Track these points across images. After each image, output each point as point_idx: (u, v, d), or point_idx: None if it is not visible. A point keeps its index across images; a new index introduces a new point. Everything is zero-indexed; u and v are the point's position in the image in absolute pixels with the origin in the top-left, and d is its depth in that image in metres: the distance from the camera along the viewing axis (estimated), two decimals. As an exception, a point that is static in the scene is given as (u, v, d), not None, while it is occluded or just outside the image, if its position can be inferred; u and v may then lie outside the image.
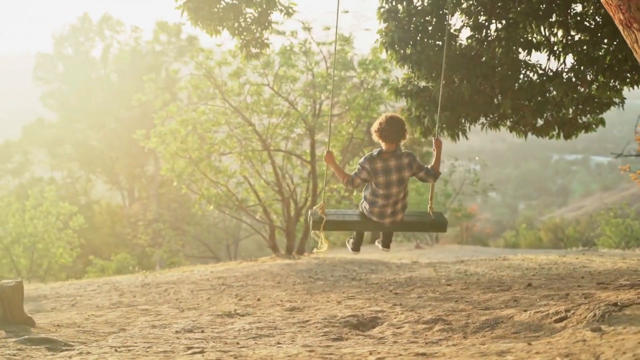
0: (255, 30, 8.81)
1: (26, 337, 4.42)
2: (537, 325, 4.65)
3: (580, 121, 9.35)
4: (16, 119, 64.84)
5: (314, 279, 9.47)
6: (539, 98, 8.89)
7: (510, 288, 6.78)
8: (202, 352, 3.90)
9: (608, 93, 8.59)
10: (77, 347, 4.23)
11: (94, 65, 44.03)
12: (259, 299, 7.16)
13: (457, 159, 30.08)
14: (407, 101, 9.22)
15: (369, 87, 15.62)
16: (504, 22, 8.80)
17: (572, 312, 4.67)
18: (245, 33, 8.82)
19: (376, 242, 6.48)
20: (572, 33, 8.68)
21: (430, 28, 8.84)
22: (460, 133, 9.42)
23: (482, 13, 8.88)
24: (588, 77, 8.61)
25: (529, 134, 9.58)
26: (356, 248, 6.41)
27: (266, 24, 8.85)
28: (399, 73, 9.56)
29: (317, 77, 15.68)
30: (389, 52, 9.00)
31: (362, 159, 5.69)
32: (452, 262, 11.59)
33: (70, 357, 3.88)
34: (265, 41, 9.01)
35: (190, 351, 3.95)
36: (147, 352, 3.99)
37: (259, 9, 8.66)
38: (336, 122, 17.88)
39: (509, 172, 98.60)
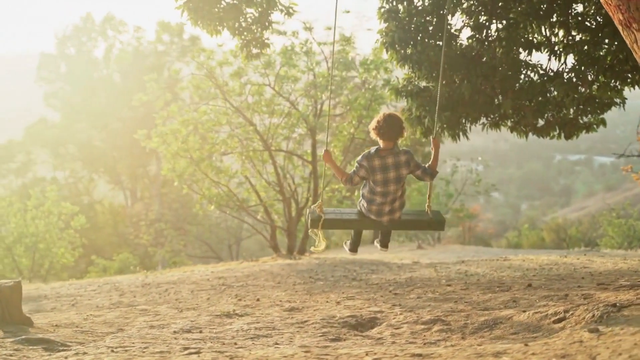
0: (255, 30, 8.81)
1: (23, 337, 4.42)
2: (535, 326, 4.63)
3: (581, 121, 9.32)
4: (19, 118, 64.96)
5: (315, 279, 9.46)
6: (540, 98, 8.88)
7: (510, 288, 6.77)
8: (198, 352, 3.89)
9: (609, 93, 8.57)
10: (74, 348, 4.23)
11: (97, 65, 44.05)
12: (258, 299, 7.15)
13: (459, 159, 30.01)
14: (407, 101, 9.22)
15: (370, 87, 15.60)
16: (504, 22, 8.79)
17: (570, 312, 4.66)
18: (245, 33, 8.81)
19: (375, 242, 6.49)
20: (573, 33, 8.66)
21: (430, 28, 8.84)
22: (460, 133, 9.41)
23: (482, 13, 8.87)
24: (589, 77, 8.59)
25: (530, 134, 9.56)
26: (354, 249, 6.41)
27: (266, 24, 8.84)
28: (400, 73, 9.55)
29: (319, 77, 15.67)
30: (389, 52, 9.00)
31: (360, 157, 5.70)
32: (453, 262, 11.58)
33: (66, 358, 3.87)
34: (266, 41, 9.00)
35: (186, 351, 3.94)
36: (144, 352, 3.99)
37: (260, 9, 8.65)
38: (338, 122, 17.88)
39: (511, 172, 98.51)
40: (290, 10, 8.92)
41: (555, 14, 8.60)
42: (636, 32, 4.98)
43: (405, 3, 8.88)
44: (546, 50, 8.78)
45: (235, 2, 8.45)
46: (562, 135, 9.49)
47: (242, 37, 8.87)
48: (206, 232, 33.13)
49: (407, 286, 7.87)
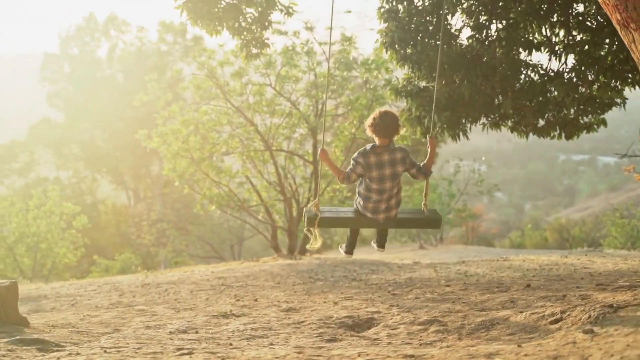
0: (255, 30, 8.80)
1: (18, 337, 4.41)
2: (532, 326, 4.61)
3: (581, 121, 9.30)
4: (22, 118, 65.09)
5: (314, 280, 9.44)
6: (540, 98, 8.86)
7: (509, 289, 6.74)
8: (190, 353, 3.88)
9: (609, 93, 8.54)
10: (68, 348, 4.22)
11: (100, 65, 44.10)
12: (256, 300, 7.14)
13: (461, 159, 29.96)
14: (407, 101, 9.21)
15: (372, 87, 15.59)
16: (504, 22, 8.78)
17: (567, 313, 4.63)
18: (245, 33, 8.80)
19: (372, 242, 6.48)
20: (574, 33, 8.64)
21: (430, 28, 8.82)
22: (460, 133, 9.40)
23: (482, 13, 8.85)
24: (589, 77, 8.57)
25: (530, 134, 9.55)
26: (349, 251, 6.41)
27: (266, 24, 8.83)
28: (401, 73, 9.54)
29: (320, 77, 15.66)
30: (389, 52, 9.00)
31: (355, 154, 5.71)
32: (454, 262, 11.55)
33: (58, 358, 3.87)
34: (266, 41, 8.99)
35: (179, 352, 3.93)
36: (137, 353, 3.98)
37: (259, 9, 8.64)
38: (340, 122, 17.86)
39: (515, 172, 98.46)
40: (290, 10, 8.91)
41: (555, 14, 8.58)
42: (634, 32, 4.96)
43: (405, 3, 8.87)
44: (546, 50, 8.76)
45: (234, 1, 8.45)
46: (563, 135, 9.47)
47: (242, 37, 8.86)
48: (208, 232, 33.16)
49: (406, 286, 7.85)
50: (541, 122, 9.38)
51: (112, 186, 44.42)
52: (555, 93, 8.79)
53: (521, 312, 5.06)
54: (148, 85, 15.68)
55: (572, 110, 9.14)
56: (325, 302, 6.67)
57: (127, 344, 4.41)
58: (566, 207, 78.11)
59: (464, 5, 8.92)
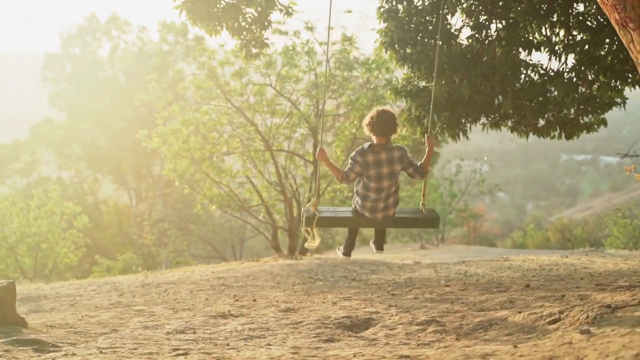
0: (255, 30, 8.79)
1: (15, 337, 4.41)
2: (530, 327, 4.60)
3: (581, 121, 9.28)
4: (24, 118, 65.16)
5: (314, 280, 9.44)
6: (540, 98, 8.85)
7: (508, 289, 6.73)
8: (185, 354, 3.88)
9: (609, 93, 8.53)
10: (65, 349, 4.22)
11: (102, 65, 44.14)
12: (254, 300, 7.14)
13: (462, 159, 29.92)
14: (407, 101, 9.20)
15: (372, 87, 15.58)
16: (504, 21, 8.76)
17: (565, 313, 4.62)
18: (244, 33, 8.80)
19: (371, 243, 6.49)
20: (574, 33, 8.62)
21: (430, 28, 8.81)
22: (461, 133, 9.39)
23: (482, 13, 8.83)
24: (589, 77, 8.55)
25: (530, 134, 9.53)
26: (347, 253, 6.41)
27: (266, 24, 8.83)
28: (401, 73, 9.54)
29: (320, 77, 15.66)
30: (388, 52, 8.99)
31: (353, 153, 5.70)
32: (454, 262, 11.54)
33: (54, 359, 3.86)
34: (265, 41, 8.98)
35: (174, 353, 3.93)
36: (132, 353, 3.97)
37: (259, 9, 8.63)
38: (342, 122, 17.85)
39: (517, 172, 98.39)
40: (290, 10, 8.90)
41: (555, 14, 8.56)
42: (632, 32, 4.95)
43: (405, 3, 8.86)
44: (546, 50, 8.74)
45: (234, 1, 8.44)
46: (563, 135, 9.45)
47: (242, 37, 8.85)
48: (210, 232, 33.18)
49: (405, 287, 7.84)
50: (541, 122, 9.36)
51: (114, 186, 44.47)
52: (555, 93, 8.77)
53: (519, 312, 5.05)
54: (148, 85, 15.69)
55: (572, 110, 9.12)
56: (324, 302, 6.66)
57: (124, 344, 4.41)
58: (568, 207, 78.04)
59: (464, 5, 8.90)
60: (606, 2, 5.03)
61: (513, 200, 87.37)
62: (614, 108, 9.02)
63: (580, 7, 8.65)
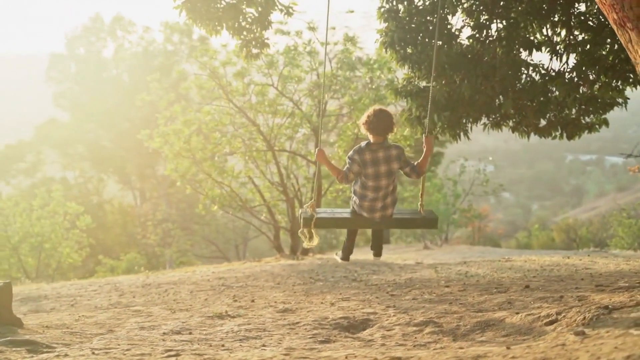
0: (255, 30, 8.77)
1: (9, 338, 4.40)
2: (527, 328, 4.58)
3: (583, 121, 9.25)
4: (29, 118, 65.30)
5: (314, 280, 9.42)
6: (541, 98, 8.82)
7: (508, 290, 6.70)
8: (177, 355, 3.86)
9: (610, 93, 8.49)
10: (58, 349, 4.21)
11: (106, 65, 44.21)
12: (253, 300, 7.12)
13: (466, 159, 29.82)
14: (407, 101, 9.18)
15: (374, 87, 15.56)
16: (505, 21, 8.74)
17: (562, 315, 4.59)
18: (245, 33, 8.78)
19: (370, 248, 6.49)
20: (575, 32, 8.59)
21: (430, 28, 8.80)
22: (462, 133, 9.36)
23: (483, 13, 8.81)
24: (590, 77, 8.52)
25: (532, 134, 9.49)
26: (345, 257, 6.40)
27: (266, 24, 8.81)
28: (402, 73, 9.52)
29: (322, 77, 15.64)
30: (389, 52, 8.98)
31: (351, 152, 5.69)
32: (455, 263, 11.50)
33: (46, 360, 3.86)
34: (266, 41, 8.96)
35: (166, 354, 3.91)
36: (125, 354, 3.96)
37: (259, 9, 8.62)
38: (344, 122, 17.84)
39: (522, 172, 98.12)
40: (290, 10, 8.88)
41: (556, 14, 8.53)
42: (630, 32, 4.92)
43: (405, 3, 8.85)
44: (547, 49, 8.72)
45: (234, 1, 8.43)
46: (564, 135, 9.41)
47: (242, 37, 8.84)
48: (213, 232, 33.19)
49: (405, 287, 7.82)
50: (542, 122, 9.33)
51: (119, 186, 44.53)
52: (557, 93, 8.75)
53: (517, 313, 5.02)
54: (150, 85, 15.70)
55: (573, 110, 9.09)
56: (322, 302, 6.64)
57: (118, 345, 4.40)
58: (573, 208, 77.79)
59: (465, 5, 8.88)
60: (604, 1, 5.00)
61: (518, 201, 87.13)
62: (617, 108, 8.99)
63: (582, 7, 8.62)
